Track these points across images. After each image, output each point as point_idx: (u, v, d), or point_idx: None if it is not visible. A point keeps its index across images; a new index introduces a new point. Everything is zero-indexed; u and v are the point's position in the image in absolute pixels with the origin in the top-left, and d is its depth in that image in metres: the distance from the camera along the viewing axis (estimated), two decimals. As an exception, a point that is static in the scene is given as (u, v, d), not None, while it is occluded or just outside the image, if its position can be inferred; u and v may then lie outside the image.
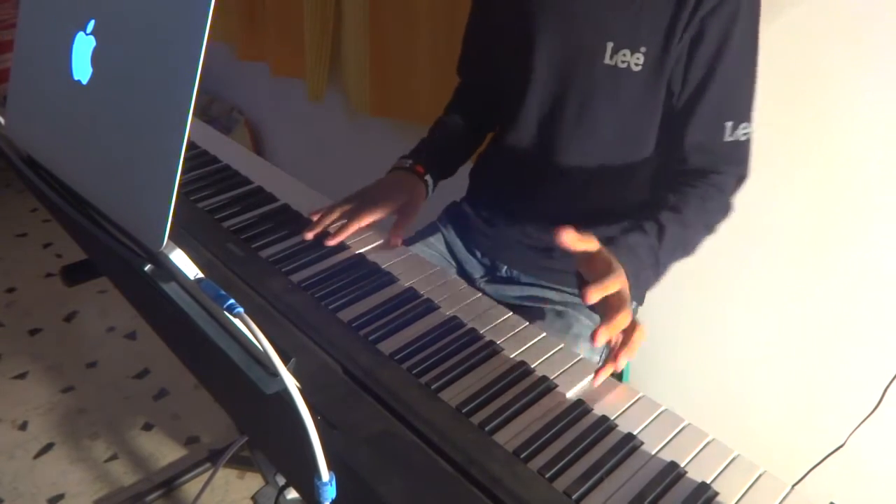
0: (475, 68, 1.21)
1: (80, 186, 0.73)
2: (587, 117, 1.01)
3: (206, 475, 1.57)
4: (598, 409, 0.73)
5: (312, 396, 0.56)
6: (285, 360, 0.55)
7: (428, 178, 1.09)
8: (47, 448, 1.66)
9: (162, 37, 0.61)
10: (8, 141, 0.86)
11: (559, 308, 1.09)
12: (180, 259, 0.61)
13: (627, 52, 0.95)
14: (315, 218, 1.00)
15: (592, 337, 0.74)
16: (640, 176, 1.03)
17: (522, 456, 0.66)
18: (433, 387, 0.74)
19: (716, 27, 0.91)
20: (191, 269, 0.61)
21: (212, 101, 2.61)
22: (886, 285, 1.11)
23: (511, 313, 0.86)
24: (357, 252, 0.96)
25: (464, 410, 0.71)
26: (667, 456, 0.68)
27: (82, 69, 0.70)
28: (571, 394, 0.75)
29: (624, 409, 0.73)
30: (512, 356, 0.79)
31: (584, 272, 0.83)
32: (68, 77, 0.72)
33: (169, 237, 0.60)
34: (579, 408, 0.72)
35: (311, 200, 1.07)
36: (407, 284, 0.90)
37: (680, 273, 1.35)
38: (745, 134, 0.96)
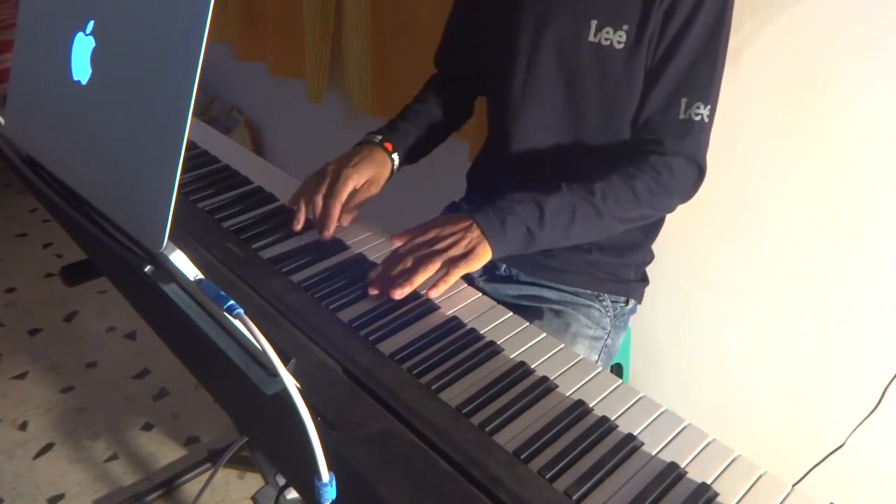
0: (455, 58, 1.21)
1: (80, 187, 0.73)
2: (574, 99, 1.02)
3: (206, 475, 1.57)
4: (599, 410, 0.73)
5: (312, 396, 0.56)
6: (285, 361, 0.55)
7: (395, 156, 1.09)
8: (47, 448, 1.66)
9: (161, 37, 0.61)
10: (8, 141, 0.86)
11: (557, 308, 1.09)
12: (180, 260, 0.61)
13: (610, 29, 0.96)
14: (296, 206, 1.00)
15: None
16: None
17: (523, 456, 0.66)
18: (433, 387, 0.74)
19: (686, 3, 0.93)
20: (191, 270, 0.61)
21: (212, 101, 2.60)
22: (886, 285, 1.11)
23: (511, 314, 0.86)
24: (357, 252, 0.96)
25: (464, 411, 0.71)
26: (667, 456, 0.68)
27: (82, 69, 0.70)
28: (571, 394, 0.75)
29: (624, 409, 0.73)
30: (512, 356, 0.79)
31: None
32: (68, 77, 0.72)
33: (169, 238, 0.60)
34: (579, 408, 0.72)
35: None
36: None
37: (680, 273, 1.35)
38: (698, 114, 0.96)
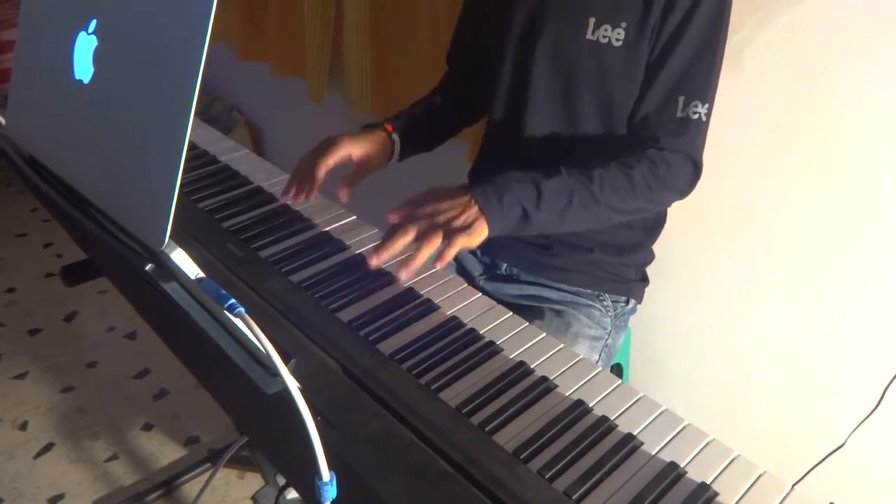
0: (464, 58, 1.22)
1: (81, 186, 0.73)
2: (572, 97, 1.02)
3: (206, 475, 1.57)
4: (598, 410, 0.73)
5: (312, 396, 0.56)
6: (286, 360, 0.55)
7: (395, 136, 1.09)
8: (47, 448, 1.66)
9: (164, 36, 0.61)
10: (9, 140, 0.86)
11: (558, 307, 1.09)
12: (181, 258, 0.61)
13: (609, 27, 0.97)
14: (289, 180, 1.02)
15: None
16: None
17: (522, 456, 0.66)
18: (433, 387, 0.74)
19: (684, 2, 0.93)
20: (192, 269, 0.61)
21: (212, 101, 2.61)
22: (886, 285, 1.11)
23: (511, 313, 0.86)
24: (357, 252, 0.96)
25: (464, 411, 0.71)
26: (667, 456, 0.68)
27: (84, 69, 0.70)
28: (571, 394, 0.75)
29: (624, 409, 0.73)
30: (512, 356, 0.79)
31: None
32: (70, 76, 0.72)
33: (170, 236, 0.60)
34: (579, 408, 0.72)
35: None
36: (407, 284, 0.90)
37: (680, 273, 1.35)
38: (696, 112, 0.96)
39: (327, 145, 1.02)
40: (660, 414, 0.73)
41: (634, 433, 0.70)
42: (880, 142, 1.05)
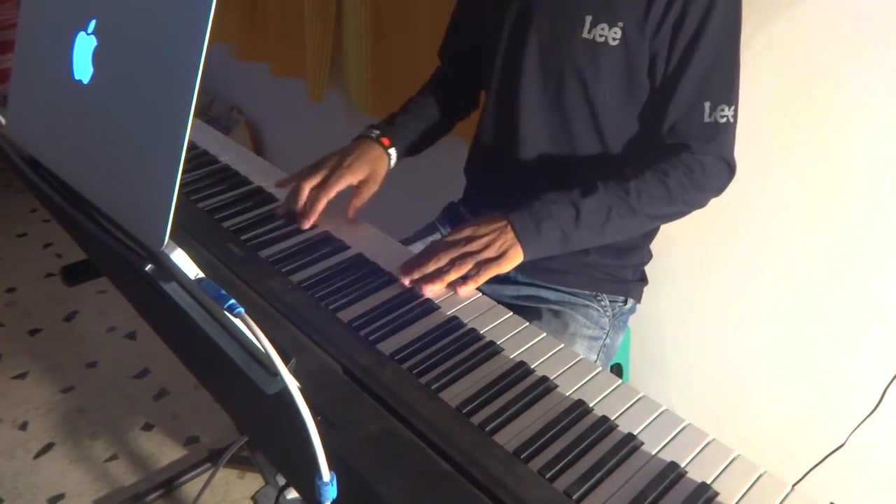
0: (457, 52, 1.22)
1: (81, 186, 0.73)
2: (566, 95, 1.02)
3: (206, 475, 1.57)
4: (599, 410, 0.73)
5: (312, 396, 0.56)
6: (285, 360, 0.55)
7: (392, 151, 1.10)
8: (47, 448, 1.66)
9: (163, 37, 0.61)
10: (9, 140, 0.86)
11: (555, 308, 1.09)
12: (181, 259, 0.61)
13: (605, 25, 0.96)
14: (286, 195, 1.02)
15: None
16: (627, 162, 1.04)
17: (523, 456, 0.66)
18: (433, 387, 0.74)
19: (696, 8, 0.93)
20: (191, 269, 0.61)
21: (212, 101, 2.61)
22: (887, 285, 1.11)
23: (511, 313, 0.86)
24: (357, 252, 0.96)
25: (464, 411, 0.71)
26: (667, 456, 0.68)
27: (83, 69, 0.70)
28: (571, 394, 0.75)
29: (624, 409, 0.73)
30: (512, 356, 0.79)
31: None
32: (69, 77, 0.72)
33: (169, 237, 0.60)
34: (579, 408, 0.72)
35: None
36: (407, 284, 0.90)
37: (680, 273, 1.35)
38: (723, 116, 0.97)
39: (330, 176, 1.02)
40: (660, 414, 0.72)
41: (635, 433, 0.70)
42: (880, 142, 1.05)
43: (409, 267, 0.90)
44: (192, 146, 1.22)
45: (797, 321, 1.23)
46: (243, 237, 0.97)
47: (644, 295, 1.19)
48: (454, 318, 0.85)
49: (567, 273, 1.10)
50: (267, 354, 0.54)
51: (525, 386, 0.75)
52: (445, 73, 1.24)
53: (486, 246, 0.90)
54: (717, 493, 0.64)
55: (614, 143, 1.04)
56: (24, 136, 0.84)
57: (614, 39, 0.96)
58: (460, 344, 0.80)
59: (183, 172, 0.58)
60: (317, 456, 0.54)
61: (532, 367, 0.78)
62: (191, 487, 1.57)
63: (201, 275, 0.61)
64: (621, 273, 1.13)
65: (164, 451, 1.65)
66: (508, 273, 1.14)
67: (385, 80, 1.83)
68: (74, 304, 2.10)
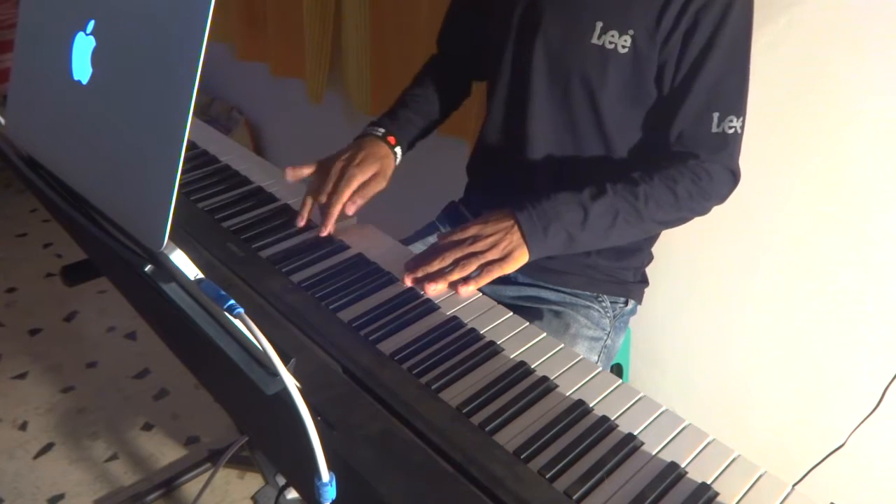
0: (455, 41, 1.23)
1: (81, 186, 0.73)
2: (571, 100, 1.02)
3: (206, 475, 1.57)
4: (599, 410, 0.73)
5: (312, 396, 0.56)
6: (285, 360, 0.55)
7: (398, 150, 1.10)
8: (47, 448, 1.66)
9: (162, 37, 0.61)
10: (8, 141, 0.86)
11: (556, 308, 1.09)
12: (180, 259, 0.61)
13: (616, 33, 0.96)
14: (301, 204, 1.01)
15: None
16: (632, 167, 1.04)
17: (523, 456, 0.66)
18: (433, 387, 0.74)
19: (709, 19, 0.93)
20: (191, 270, 0.61)
21: (212, 101, 2.60)
22: (886, 285, 1.11)
23: (511, 314, 0.86)
24: (357, 252, 0.96)
25: (464, 411, 0.71)
26: (667, 456, 0.68)
27: (82, 69, 0.70)
28: (571, 394, 0.75)
29: (624, 409, 0.73)
30: (512, 356, 0.79)
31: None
32: (68, 77, 0.72)
33: (169, 237, 0.60)
34: (580, 408, 0.72)
35: (311, 200, 1.07)
36: (407, 285, 0.90)
37: (680, 274, 1.35)
38: (731, 127, 0.97)
39: (338, 180, 1.01)
40: (660, 414, 0.72)
41: (635, 433, 0.70)
42: (880, 142, 1.05)
43: (412, 265, 0.90)
44: (191, 146, 1.22)
45: (797, 321, 1.23)
46: (243, 237, 0.97)
47: (644, 295, 1.19)
48: (454, 318, 0.84)
49: (568, 274, 1.10)
50: (267, 354, 0.54)
51: (525, 386, 0.75)
52: (443, 61, 1.24)
53: (492, 246, 0.90)
54: (717, 494, 0.64)
55: (619, 147, 1.04)
56: (24, 137, 0.84)
57: (624, 47, 0.96)
58: (460, 344, 0.80)
59: (182, 172, 0.58)
60: (316, 456, 0.54)
61: (532, 367, 0.78)
62: (191, 487, 1.57)
63: (201, 275, 0.61)
64: (622, 275, 1.13)
65: (164, 451, 1.65)
66: (508, 274, 1.14)
67: (385, 81, 1.83)
68: (74, 304, 2.10)
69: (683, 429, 0.71)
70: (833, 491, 1.20)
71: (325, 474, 0.55)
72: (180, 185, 0.58)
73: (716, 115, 0.96)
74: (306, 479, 0.57)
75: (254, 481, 1.57)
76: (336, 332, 0.81)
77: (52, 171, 0.78)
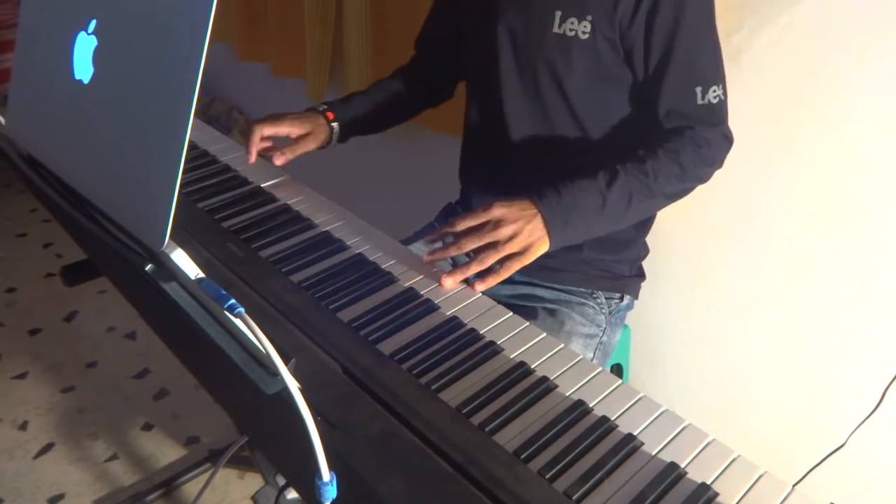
0: (430, 44, 1.26)
1: (81, 186, 0.73)
2: (542, 90, 1.04)
3: (206, 475, 1.57)
4: (599, 410, 0.73)
5: (312, 396, 0.56)
6: (286, 360, 0.55)
7: (335, 125, 1.16)
8: (47, 448, 1.66)
9: (164, 37, 0.61)
10: (9, 140, 0.86)
11: (551, 306, 1.09)
12: (181, 259, 0.61)
13: (575, 20, 0.98)
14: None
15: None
16: (609, 148, 1.05)
17: (523, 456, 0.66)
18: (433, 387, 0.74)
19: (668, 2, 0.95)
20: (192, 269, 0.61)
21: (212, 101, 2.61)
22: (887, 285, 1.11)
23: (511, 314, 0.86)
24: (357, 252, 0.96)
25: (464, 411, 0.71)
26: (667, 456, 0.68)
27: (84, 69, 0.70)
28: (571, 394, 0.75)
29: (624, 409, 0.73)
30: (512, 356, 0.79)
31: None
32: (70, 77, 0.72)
33: (169, 237, 0.60)
34: (579, 408, 0.72)
35: (311, 200, 1.07)
36: (407, 284, 0.90)
37: (680, 272, 1.35)
38: (716, 96, 0.99)
39: (271, 118, 1.11)
40: (660, 414, 0.72)
41: (634, 433, 0.70)
42: (880, 141, 1.05)
43: (430, 240, 0.92)
44: (192, 146, 1.22)
45: (797, 321, 1.23)
46: (243, 237, 0.97)
47: (644, 294, 1.19)
48: (454, 318, 0.85)
49: (562, 271, 1.10)
50: (267, 354, 0.54)
51: (525, 386, 0.75)
52: (419, 61, 1.28)
53: (512, 236, 0.88)
54: (717, 494, 0.64)
55: (593, 131, 1.05)
56: (25, 136, 0.84)
57: (584, 33, 0.98)
58: (460, 344, 0.80)
59: (183, 172, 0.58)
60: (317, 456, 0.54)
61: (532, 367, 0.78)
62: (191, 487, 1.57)
63: (201, 275, 0.61)
64: (617, 269, 1.13)
65: (164, 451, 1.65)
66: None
67: (385, 81, 1.83)
68: (74, 304, 2.10)
69: (683, 429, 0.71)
70: (833, 491, 1.20)
71: (325, 474, 0.55)
72: (180, 185, 0.58)
73: (698, 90, 0.98)
74: (306, 479, 0.57)
75: (254, 481, 1.57)
76: (336, 332, 0.81)
77: (52, 170, 0.78)
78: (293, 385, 0.54)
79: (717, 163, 1.03)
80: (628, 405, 0.74)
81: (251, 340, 0.56)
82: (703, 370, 1.40)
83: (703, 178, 1.03)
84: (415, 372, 0.76)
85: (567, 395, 0.74)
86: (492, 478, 0.64)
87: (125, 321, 2.03)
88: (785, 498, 0.64)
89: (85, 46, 0.70)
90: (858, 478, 1.21)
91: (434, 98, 1.28)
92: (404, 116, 1.27)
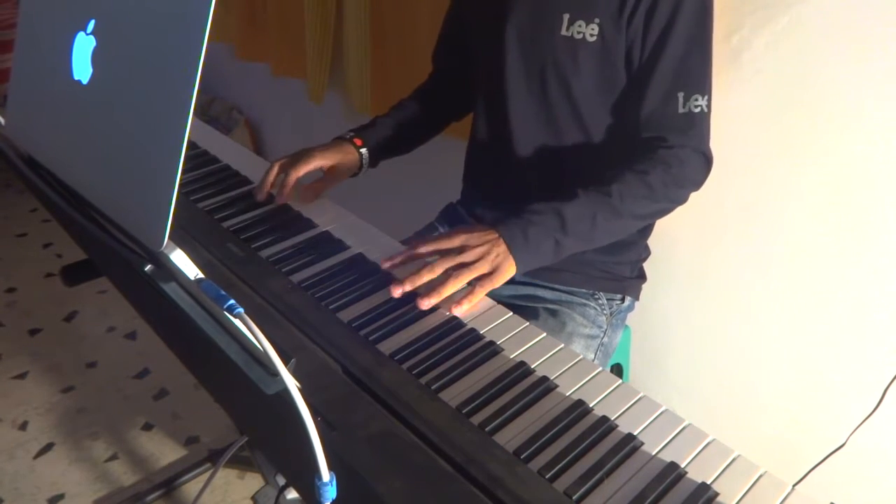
0: (447, 56, 1.25)
1: (81, 186, 0.73)
2: (550, 93, 1.04)
3: (206, 475, 1.57)
4: (599, 410, 0.73)
5: (312, 396, 0.56)
6: (285, 361, 0.55)
7: (364, 151, 1.13)
8: (47, 448, 1.66)
9: (162, 37, 0.61)
10: (8, 141, 0.86)
11: (552, 307, 1.09)
12: (180, 259, 0.61)
13: (582, 22, 0.98)
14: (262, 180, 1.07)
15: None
16: (612, 154, 1.05)
17: (523, 456, 0.66)
18: (433, 387, 0.74)
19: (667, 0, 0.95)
20: (191, 270, 0.61)
21: (212, 101, 2.60)
22: (887, 285, 1.11)
23: (511, 314, 0.86)
24: (357, 252, 0.96)
25: (464, 411, 0.71)
26: (667, 456, 0.68)
27: (82, 69, 0.70)
28: (571, 394, 0.75)
29: (624, 409, 0.73)
30: (512, 356, 0.79)
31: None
32: (68, 77, 0.72)
33: (169, 237, 0.60)
34: (579, 408, 0.72)
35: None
36: (408, 287, 0.90)
37: (680, 273, 1.35)
38: (697, 106, 0.98)
39: (300, 157, 1.07)
40: (660, 414, 0.72)
41: (635, 433, 0.70)
42: (880, 141, 1.05)
43: (401, 277, 0.88)
44: (192, 146, 1.22)
45: (797, 321, 1.23)
46: (243, 237, 0.97)
47: (645, 295, 1.19)
48: (454, 318, 0.85)
49: (564, 272, 1.11)
50: (267, 354, 0.54)
51: (525, 386, 0.75)
52: (436, 76, 1.27)
53: (480, 257, 0.88)
54: (717, 494, 0.64)
55: (598, 137, 1.05)
56: (24, 136, 0.84)
57: (592, 35, 0.98)
58: (460, 344, 0.80)
59: (183, 172, 0.58)
60: (316, 456, 0.54)
61: (532, 367, 0.78)
62: (191, 487, 1.57)
63: (201, 275, 0.61)
64: (618, 270, 1.13)
65: (164, 451, 1.65)
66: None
67: (385, 82, 1.83)
68: (74, 304, 2.10)
69: (683, 429, 0.71)
70: (833, 491, 1.20)
71: (325, 474, 0.55)
72: (180, 185, 0.58)
73: (681, 96, 0.97)
74: (306, 479, 0.57)
75: (254, 481, 1.57)
76: (336, 332, 0.81)
77: (52, 170, 0.78)
78: (293, 385, 0.54)
79: (692, 184, 1.01)
80: (628, 405, 0.74)
81: (251, 340, 0.56)
82: (703, 370, 1.40)
83: (677, 200, 1.01)
84: (415, 372, 0.76)
85: (567, 394, 0.74)
86: (492, 477, 0.64)
87: (125, 321, 2.03)
88: (785, 498, 0.64)
89: (84, 47, 0.70)
90: (858, 478, 1.20)
91: (456, 111, 1.27)
92: (430, 133, 1.25)
